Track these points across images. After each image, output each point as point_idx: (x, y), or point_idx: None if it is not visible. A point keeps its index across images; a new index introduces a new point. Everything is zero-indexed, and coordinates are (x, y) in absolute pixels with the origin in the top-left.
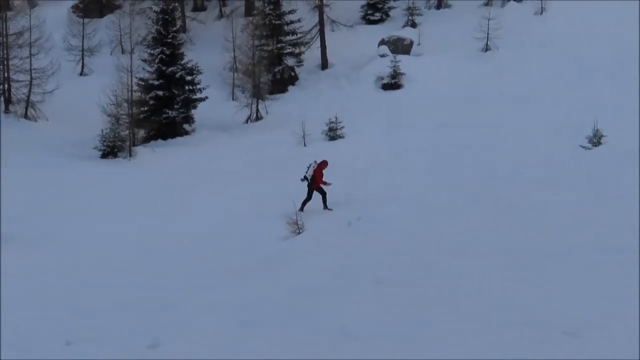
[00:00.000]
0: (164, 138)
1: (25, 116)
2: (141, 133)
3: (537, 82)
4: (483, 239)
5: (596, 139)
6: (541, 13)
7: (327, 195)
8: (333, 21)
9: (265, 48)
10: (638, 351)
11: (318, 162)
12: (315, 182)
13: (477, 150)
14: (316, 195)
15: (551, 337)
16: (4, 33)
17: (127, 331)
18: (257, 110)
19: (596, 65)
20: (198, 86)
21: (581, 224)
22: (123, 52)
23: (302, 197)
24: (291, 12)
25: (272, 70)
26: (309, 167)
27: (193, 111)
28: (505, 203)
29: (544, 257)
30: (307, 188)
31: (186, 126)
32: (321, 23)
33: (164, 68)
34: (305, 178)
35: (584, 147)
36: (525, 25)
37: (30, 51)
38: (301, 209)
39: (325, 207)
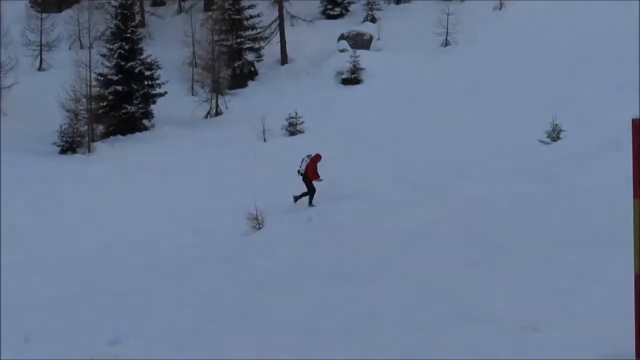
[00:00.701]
0: (123, 133)
1: None
2: (100, 128)
3: (496, 77)
4: (441, 233)
5: (555, 134)
6: (500, 9)
7: (315, 193)
8: (293, 16)
9: (224, 43)
10: (593, 344)
11: (312, 156)
12: (307, 176)
13: (436, 145)
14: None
15: (509, 331)
16: None
17: (86, 327)
18: (217, 106)
19: (555, 60)
20: (157, 81)
21: (538, 218)
22: (82, 47)
23: (262, 192)
24: (251, 7)
25: (231, 65)
26: (302, 162)
27: (152, 106)
28: (463, 197)
29: (500, 251)
30: (303, 183)
31: (145, 121)
32: (281, 18)
33: (122, 63)
34: (299, 172)
35: (542, 141)
36: (484, 20)
37: None
38: (310, 203)
39: (300, 199)
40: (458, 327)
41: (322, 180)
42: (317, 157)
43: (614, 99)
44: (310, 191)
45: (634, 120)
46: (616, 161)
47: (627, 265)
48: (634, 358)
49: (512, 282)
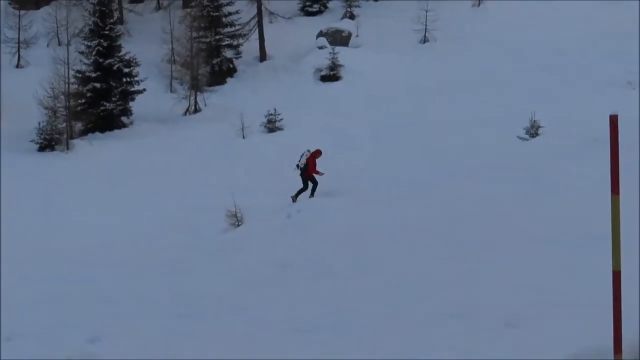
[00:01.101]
0: (102, 131)
1: None
2: (78, 126)
3: (475, 73)
4: (423, 230)
5: (533, 130)
6: (479, 5)
7: (317, 186)
8: (271, 13)
9: (203, 40)
10: (573, 340)
11: (312, 151)
12: (307, 171)
13: (415, 142)
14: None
15: (491, 328)
16: None
17: (66, 326)
18: (196, 103)
19: (533, 56)
20: (136, 78)
21: (518, 216)
22: (60, 44)
23: (241, 189)
24: (229, 3)
25: (210, 62)
26: (302, 156)
27: (131, 103)
28: (444, 195)
29: (483, 248)
30: (300, 177)
31: (124, 118)
32: (259, 15)
33: (101, 60)
34: (298, 167)
35: (521, 138)
36: (463, 17)
37: None
38: (295, 198)
39: (312, 195)
40: (441, 325)
41: (323, 174)
42: (318, 153)
43: (595, 96)
44: (306, 186)
45: (611, 116)
46: (595, 157)
47: (607, 262)
48: (612, 354)
49: (495, 280)
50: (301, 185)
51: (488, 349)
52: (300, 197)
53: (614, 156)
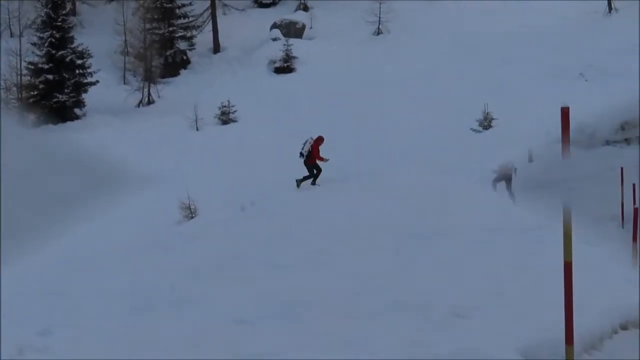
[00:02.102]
0: (55, 123)
1: None
2: (31, 118)
3: (428, 65)
4: (375, 222)
5: (486, 122)
6: None
7: (320, 173)
8: (225, 4)
9: (156, 31)
10: (525, 330)
11: (315, 138)
12: (311, 158)
13: (369, 134)
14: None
15: (440, 319)
16: None
17: (15, 318)
18: (149, 94)
19: (487, 49)
20: (88, 70)
21: (470, 206)
22: (12, 35)
23: (195, 181)
24: None
25: (163, 54)
26: (305, 143)
27: (84, 95)
28: (396, 186)
29: (434, 238)
30: (304, 166)
31: (77, 110)
32: (213, 6)
33: (53, 52)
34: (302, 154)
35: (474, 130)
36: (416, 9)
37: None
38: (313, 183)
39: (314, 183)
40: (391, 316)
41: (327, 160)
42: (320, 139)
43: (548, 89)
44: (311, 173)
45: (563, 108)
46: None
47: (559, 253)
48: (564, 344)
49: (446, 271)
50: (306, 174)
51: (438, 340)
52: (303, 183)
53: (565, 147)
